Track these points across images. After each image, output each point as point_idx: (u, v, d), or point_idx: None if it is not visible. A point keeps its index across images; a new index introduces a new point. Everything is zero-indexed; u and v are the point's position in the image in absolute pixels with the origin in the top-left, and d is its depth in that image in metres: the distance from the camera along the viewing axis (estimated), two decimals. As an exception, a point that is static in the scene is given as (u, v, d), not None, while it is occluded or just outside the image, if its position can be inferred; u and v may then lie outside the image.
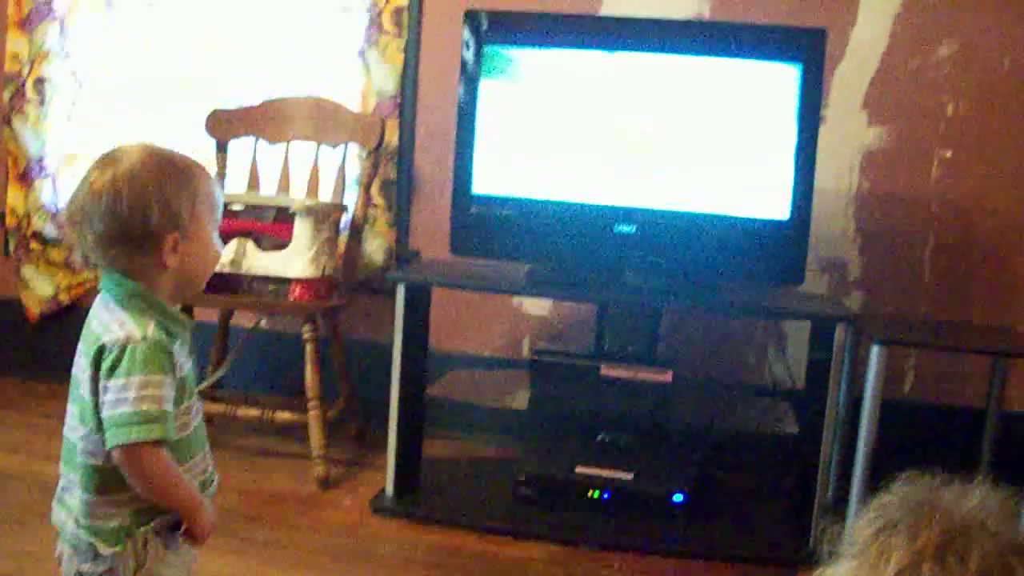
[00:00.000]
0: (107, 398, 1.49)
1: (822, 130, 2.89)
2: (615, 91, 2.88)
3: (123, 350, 1.50)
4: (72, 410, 1.59)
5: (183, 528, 1.62)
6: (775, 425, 3.10)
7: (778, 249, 2.84)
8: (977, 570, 0.95)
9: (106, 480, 1.55)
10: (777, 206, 2.81)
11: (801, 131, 2.79)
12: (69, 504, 1.60)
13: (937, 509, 1.02)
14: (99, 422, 1.52)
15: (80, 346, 1.59)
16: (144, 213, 1.53)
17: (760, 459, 3.32)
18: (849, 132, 3.30)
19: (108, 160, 1.56)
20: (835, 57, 3.25)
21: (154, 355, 1.51)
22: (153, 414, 1.49)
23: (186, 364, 1.61)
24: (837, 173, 3.30)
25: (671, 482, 2.96)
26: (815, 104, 2.82)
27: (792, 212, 2.81)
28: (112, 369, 1.49)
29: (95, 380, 1.51)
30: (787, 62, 2.79)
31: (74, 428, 1.58)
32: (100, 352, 1.51)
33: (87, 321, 1.59)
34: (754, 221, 2.83)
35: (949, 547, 0.97)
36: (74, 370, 1.60)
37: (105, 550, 1.56)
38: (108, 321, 1.54)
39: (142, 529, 1.58)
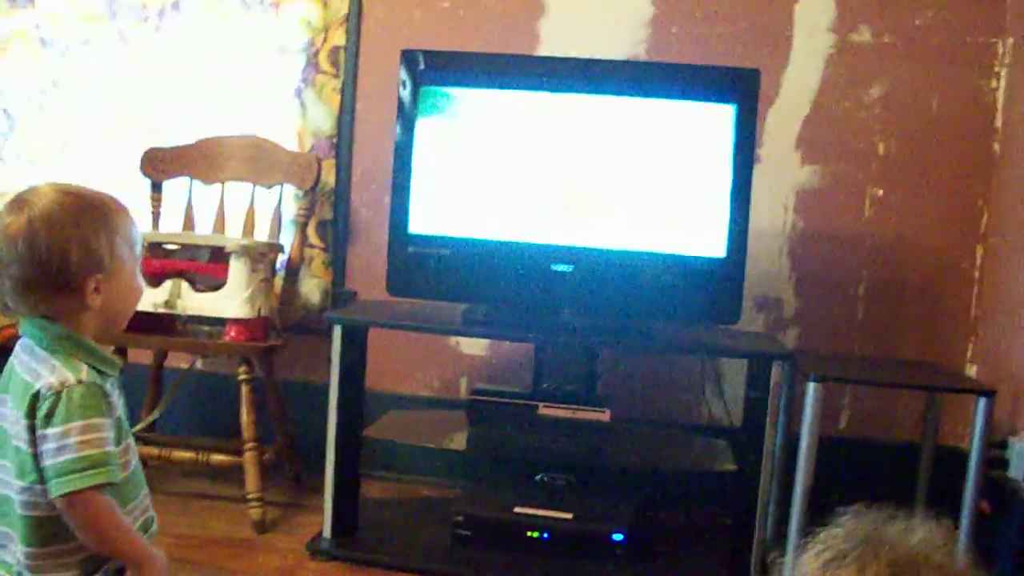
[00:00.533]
0: (47, 447, 1.46)
1: (757, 169, 2.92)
2: (552, 130, 2.89)
3: (58, 396, 1.47)
4: (5, 465, 1.54)
5: None
6: (713, 463, 3.10)
7: (714, 287, 2.85)
8: None
9: (51, 532, 1.51)
10: (713, 244, 2.83)
11: (736, 170, 2.81)
12: (8, 561, 1.55)
13: (884, 543, 1.03)
14: (40, 473, 1.48)
15: (5, 396, 1.55)
16: (63, 256, 1.50)
17: (698, 497, 3.33)
18: (783, 171, 3.34)
19: (20, 203, 1.52)
20: (769, 98, 3.30)
21: (91, 398, 1.49)
22: (97, 459, 1.46)
23: (119, 403, 1.58)
24: (772, 212, 3.34)
25: (610, 521, 2.95)
26: (749, 143, 2.84)
27: (728, 250, 2.82)
28: (48, 416, 1.46)
29: (31, 429, 1.47)
30: (722, 102, 2.82)
31: (9, 484, 1.53)
32: (35, 400, 1.47)
33: (9, 370, 1.55)
34: (691, 259, 2.84)
35: None
36: (2, 424, 1.55)
37: None
38: (37, 368, 1.51)
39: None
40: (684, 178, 2.85)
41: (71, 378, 1.49)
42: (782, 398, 2.90)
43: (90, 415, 1.48)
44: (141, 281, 1.65)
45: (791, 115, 3.34)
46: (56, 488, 1.46)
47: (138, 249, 1.63)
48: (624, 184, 2.87)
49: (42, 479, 1.49)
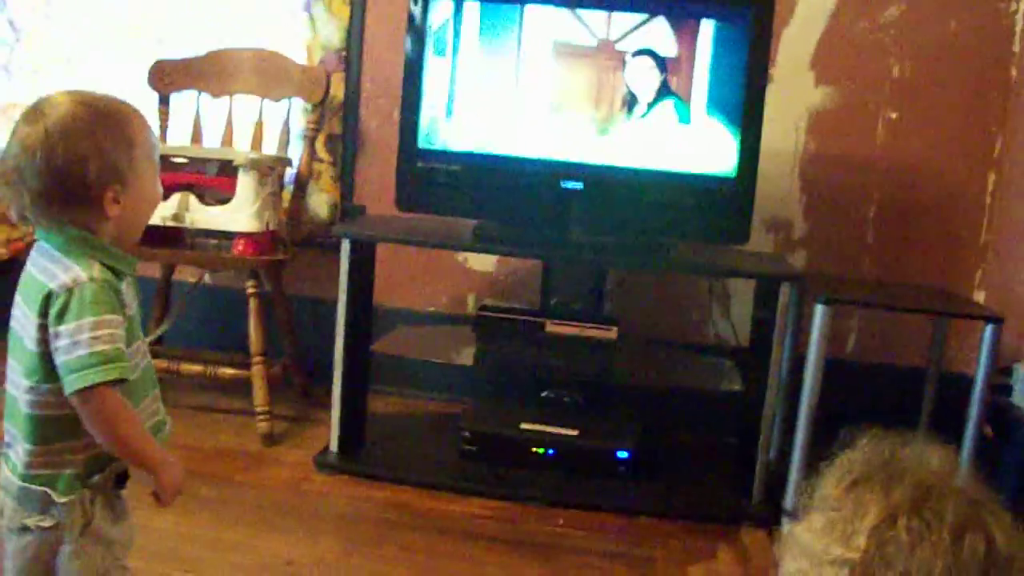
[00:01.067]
0: (60, 344, 1.46)
1: (769, 90, 2.88)
2: (564, 44, 2.86)
3: (70, 293, 1.46)
4: (13, 365, 1.55)
5: (152, 490, 1.58)
6: (719, 383, 3.11)
7: (724, 207, 2.84)
8: (954, 524, 0.96)
9: (56, 430, 1.52)
10: (724, 164, 2.81)
11: (748, 89, 2.78)
12: (14, 459, 1.56)
13: (905, 467, 1.03)
14: (46, 373, 1.48)
15: (18, 298, 1.55)
16: (81, 167, 1.48)
17: (704, 416, 3.34)
18: (796, 92, 3.31)
19: (36, 113, 1.50)
20: (783, 17, 3.26)
21: (103, 295, 1.48)
22: (111, 354, 1.46)
23: (133, 303, 1.58)
24: (784, 133, 3.31)
25: (615, 439, 2.97)
26: (763, 62, 2.81)
27: (738, 170, 2.80)
28: (61, 314, 1.46)
29: (43, 328, 1.47)
30: (736, 20, 2.78)
31: (17, 383, 1.54)
32: (47, 299, 1.47)
33: (24, 272, 1.55)
34: (701, 177, 2.83)
35: (924, 502, 0.98)
36: (12, 324, 1.55)
37: (59, 498, 1.53)
38: (51, 268, 1.50)
39: (95, 478, 1.55)
40: (696, 96, 2.82)
41: (83, 275, 1.48)
42: (790, 320, 2.90)
43: (102, 311, 1.47)
44: (159, 188, 1.64)
45: (806, 35, 3.30)
46: (70, 384, 1.45)
47: (156, 155, 1.62)
48: (636, 101, 2.85)
49: (47, 378, 1.49)
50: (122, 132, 1.54)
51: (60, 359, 1.46)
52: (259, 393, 3.13)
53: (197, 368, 3.20)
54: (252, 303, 3.13)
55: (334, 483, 2.91)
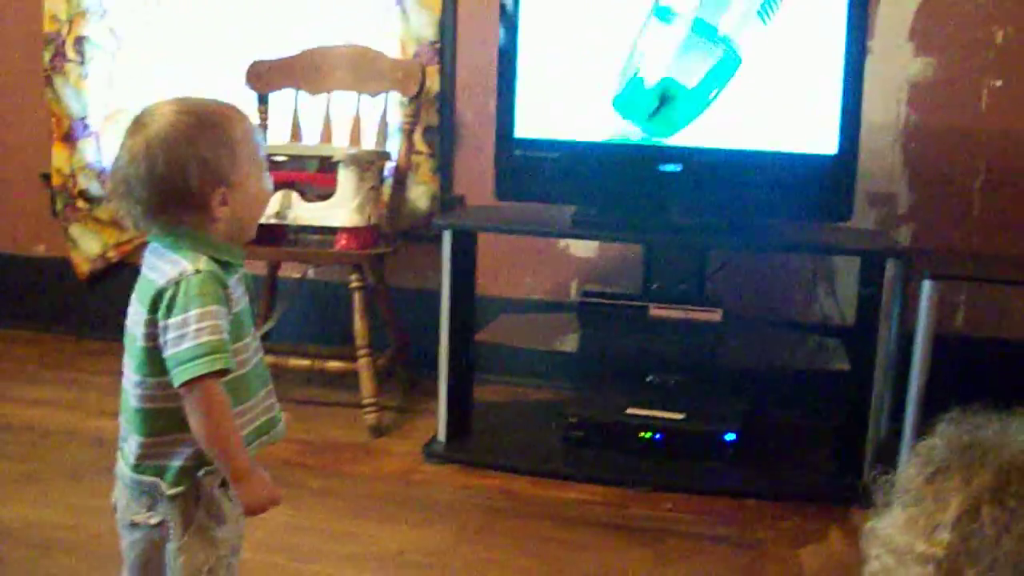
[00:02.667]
0: (168, 337, 1.49)
1: (868, 62, 2.84)
2: (659, 27, 2.84)
3: (177, 286, 1.49)
4: (127, 361, 1.59)
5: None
6: (825, 362, 3.07)
7: (826, 184, 2.80)
8: None
9: (164, 423, 1.56)
10: (824, 140, 2.77)
11: (848, 63, 2.74)
12: (127, 451, 1.61)
13: (986, 449, 1.00)
14: (154, 366, 1.52)
15: (133, 296, 1.59)
16: (183, 174, 1.51)
17: (811, 397, 3.30)
18: (896, 64, 3.24)
19: (138, 124, 1.54)
20: (879, -11, 3.20)
21: (208, 286, 1.51)
22: (215, 345, 1.48)
23: (242, 299, 1.60)
24: (885, 106, 3.25)
25: (722, 422, 2.95)
26: (861, 35, 2.77)
27: (840, 146, 2.76)
28: (169, 307, 1.49)
29: (151, 323, 1.51)
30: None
31: (129, 377, 1.58)
32: (157, 296, 1.50)
33: (141, 275, 1.59)
34: (801, 156, 2.80)
35: (1006, 487, 0.95)
36: (127, 322, 1.59)
37: (168, 490, 1.56)
38: (160, 265, 1.54)
39: (201, 472, 1.58)
40: (794, 73, 2.78)
41: (189, 268, 1.51)
42: (896, 296, 2.85)
43: (206, 303, 1.49)
44: (269, 183, 1.66)
45: (904, 5, 3.23)
46: (177, 376, 1.48)
47: (262, 152, 1.64)
48: (733, 81, 2.82)
49: (154, 372, 1.52)
50: (223, 135, 1.56)
51: (168, 352, 1.49)
52: (366, 385, 3.16)
53: (304, 363, 3.24)
54: (356, 297, 3.16)
55: (442, 472, 2.93)
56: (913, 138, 3.28)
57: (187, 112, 1.55)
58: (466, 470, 2.94)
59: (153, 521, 1.59)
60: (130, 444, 1.60)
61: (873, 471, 1.11)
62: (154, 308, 1.51)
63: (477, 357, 3.16)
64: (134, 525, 1.61)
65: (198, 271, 1.51)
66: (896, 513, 1.02)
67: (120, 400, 1.63)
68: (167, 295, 1.50)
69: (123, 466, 1.62)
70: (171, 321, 1.49)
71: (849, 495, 2.76)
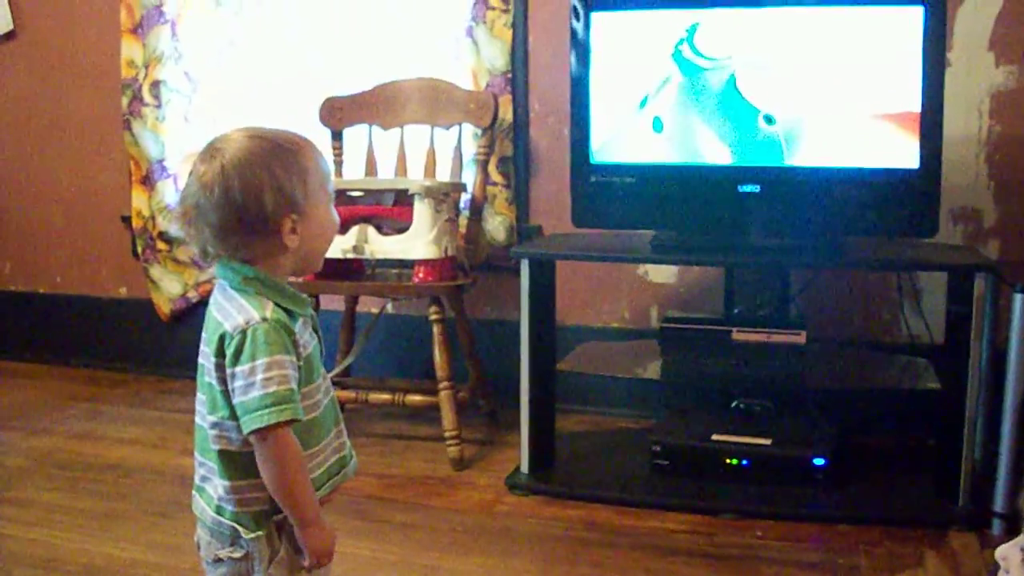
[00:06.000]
0: (236, 385, 1.49)
1: (948, 74, 2.78)
2: (731, 46, 2.81)
3: (244, 334, 1.49)
4: (201, 398, 1.59)
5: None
6: (915, 382, 3.01)
7: (909, 200, 2.74)
8: None
9: (244, 465, 1.55)
10: (906, 155, 2.71)
11: (927, 76, 2.68)
12: (208, 492, 1.61)
13: None
14: (230, 410, 1.52)
15: (203, 334, 1.58)
16: (257, 199, 1.51)
17: (901, 418, 3.23)
18: (976, 74, 3.18)
19: (212, 151, 1.54)
20: (956, -1, 3.15)
21: (275, 335, 1.50)
22: (283, 395, 1.48)
23: (311, 342, 1.60)
24: (966, 118, 3.19)
25: (810, 446, 2.89)
26: (940, 46, 2.71)
27: (922, 161, 2.70)
28: (237, 355, 1.49)
29: (221, 368, 1.51)
30: (909, 3, 2.68)
31: (204, 416, 1.58)
32: (222, 340, 1.51)
33: (208, 311, 1.59)
34: (882, 172, 2.74)
35: None
36: (200, 359, 1.59)
37: (247, 534, 1.56)
38: (227, 307, 1.54)
39: (278, 516, 1.58)
40: (872, 88, 2.73)
41: (256, 316, 1.51)
42: (986, 312, 2.78)
43: (273, 352, 1.49)
44: (335, 216, 1.66)
45: (982, 13, 3.16)
46: (246, 424, 1.49)
47: (330, 185, 1.64)
48: (810, 98, 2.78)
49: (232, 415, 1.52)
50: (296, 162, 1.56)
51: (236, 399, 1.50)
52: (447, 418, 3.15)
53: (385, 397, 3.24)
54: (436, 329, 3.15)
55: (526, 504, 2.90)
56: (997, 149, 3.21)
57: (261, 138, 1.56)
58: (550, 501, 2.91)
59: (237, 555, 1.59)
60: (213, 487, 1.59)
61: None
62: (220, 352, 1.51)
63: (559, 387, 3.13)
64: (218, 560, 1.61)
65: (265, 319, 1.51)
66: None
67: (195, 435, 1.62)
68: (234, 342, 1.49)
69: (205, 507, 1.62)
70: (238, 369, 1.49)
71: (945, 518, 2.69)
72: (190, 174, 1.55)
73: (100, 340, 4.33)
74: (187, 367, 3.96)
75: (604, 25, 2.89)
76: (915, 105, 2.69)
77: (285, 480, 1.53)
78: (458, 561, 2.54)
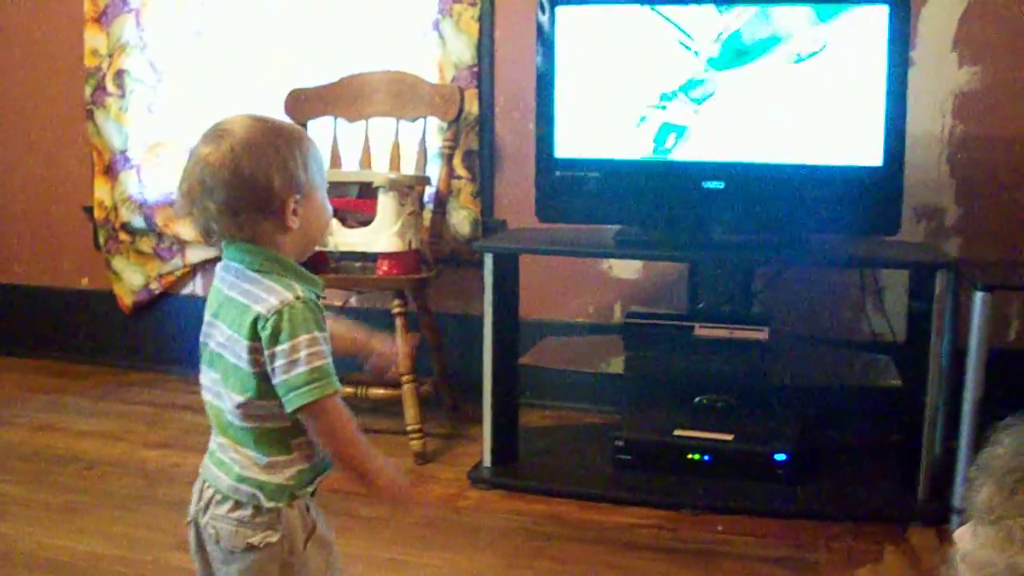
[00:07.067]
0: (277, 364, 1.52)
1: (911, 73, 2.80)
2: (695, 43, 2.81)
3: (280, 315, 1.52)
4: (215, 378, 1.61)
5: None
6: (877, 379, 3.02)
7: (872, 197, 2.76)
8: None
9: (276, 441, 1.58)
10: (869, 153, 2.73)
11: (891, 74, 2.70)
12: (226, 460, 1.62)
13: None
14: (262, 390, 1.54)
15: (212, 318, 1.61)
16: (267, 177, 1.54)
17: (862, 414, 3.25)
18: (940, 74, 3.20)
19: (218, 133, 1.57)
20: (920, -1, 3.16)
21: (310, 312, 1.54)
22: (325, 369, 1.53)
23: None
24: (930, 117, 3.21)
25: (773, 442, 2.91)
26: (904, 45, 2.73)
27: (885, 159, 2.72)
28: (275, 336, 1.51)
29: (255, 351, 1.53)
30: (875, 3, 2.70)
31: (220, 395, 1.60)
32: (255, 322, 1.53)
33: (218, 291, 1.61)
34: (846, 169, 2.76)
35: None
36: (210, 342, 1.61)
37: (267, 502, 1.58)
38: (252, 290, 1.56)
39: (305, 489, 1.62)
40: (836, 85, 2.75)
41: (289, 296, 1.53)
42: (947, 310, 2.80)
43: (312, 328, 1.53)
44: (329, 205, 1.69)
45: (946, 14, 3.19)
46: (293, 402, 1.52)
47: (325, 174, 1.68)
48: (774, 94, 2.79)
49: (262, 395, 1.54)
50: (299, 146, 1.60)
51: (279, 378, 1.52)
52: (410, 412, 3.14)
53: (348, 390, 3.23)
54: (399, 322, 3.14)
55: (489, 498, 2.90)
56: (960, 149, 3.23)
57: (266, 122, 1.61)
58: (513, 495, 2.91)
59: (274, 539, 1.59)
60: (233, 458, 1.61)
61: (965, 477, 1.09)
62: (254, 335, 1.53)
63: (522, 381, 3.13)
64: (250, 547, 1.60)
65: (298, 298, 1.54)
66: (984, 532, 0.98)
67: (210, 414, 1.65)
68: (270, 323, 1.52)
69: (219, 474, 1.62)
70: (278, 349, 1.51)
71: (905, 513, 2.71)
72: (192, 156, 1.58)
73: (61, 331, 4.29)
74: (148, 359, 3.97)
75: (569, 19, 2.89)
76: (879, 103, 2.71)
77: (346, 446, 1.58)
78: (422, 555, 2.54)
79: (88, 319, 4.25)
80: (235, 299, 1.57)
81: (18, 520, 2.73)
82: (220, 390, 1.60)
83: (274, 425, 1.57)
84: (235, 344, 1.56)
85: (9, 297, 4.38)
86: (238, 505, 1.59)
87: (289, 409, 1.53)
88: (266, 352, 1.52)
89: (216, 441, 1.65)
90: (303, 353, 1.51)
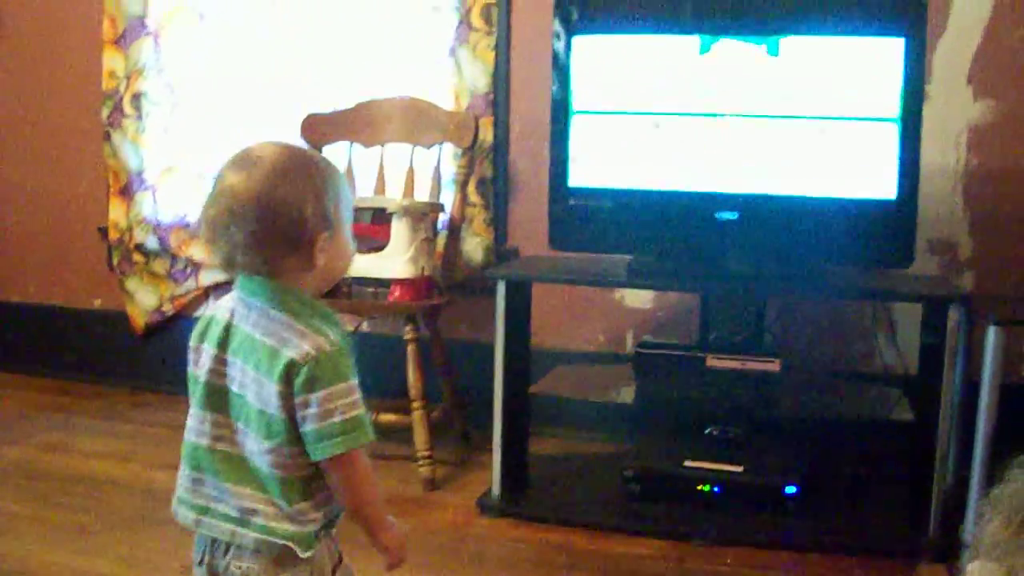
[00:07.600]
0: (310, 411, 1.47)
1: (926, 107, 2.80)
2: (712, 74, 2.82)
3: (317, 362, 1.47)
4: (238, 427, 1.55)
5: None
6: (888, 412, 3.02)
7: (885, 230, 2.76)
8: None
9: (301, 489, 1.53)
10: (883, 186, 2.73)
11: (905, 108, 2.70)
12: (240, 515, 1.55)
13: None
14: (291, 436, 1.50)
15: (236, 356, 1.54)
16: (299, 210, 1.48)
17: (874, 448, 3.23)
18: (954, 108, 3.20)
19: (248, 161, 1.51)
20: (936, 32, 3.15)
21: (344, 359, 1.50)
22: (360, 419, 1.49)
23: None
24: (944, 151, 3.20)
25: (783, 474, 2.90)
26: (919, 78, 2.73)
27: (899, 192, 2.72)
28: (310, 383, 1.47)
29: (285, 396, 1.48)
30: (888, 35, 2.70)
31: (249, 442, 1.54)
32: (289, 367, 1.47)
33: (230, 326, 1.55)
34: (860, 202, 2.76)
35: None
36: (232, 384, 1.55)
37: (303, 553, 1.53)
38: (282, 333, 1.50)
39: (329, 531, 1.60)
40: (851, 118, 2.75)
41: (324, 343, 1.48)
42: (960, 344, 2.79)
43: (348, 377, 1.49)
44: (352, 241, 1.63)
45: (962, 49, 3.19)
46: (323, 451, 1.48)
47: (352, 208, 1.62)
48: (789, 127, 2.79)
49: (291, 441, 1.50)
50: (330, 179, 1.55)
51: (311, 425, 1.48)
52: (420, 438, 3.14)
53: (358, 415, 3.22)
54: (410, 349, 3.14)
55: (497, 526, 2.89)
56: (974, 182, 3.23)
57: (296, 151, 1.56)
58: (521, 524, 2.90)
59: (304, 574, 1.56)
60: (257, 503, 1.54)
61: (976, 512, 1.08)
62: (286, 380, 1.48)
63: (532, 409, 3.13)
64: None
65: (333, 344, 1.49)
66: (992, 569, 0.98)
67: (223, 462, 1.57)
68: (305, 371, 1.47)
69: (239, 531, 1.55)
70: (313, 396, 1.47)
71: (915, 548, 2.69)
72: (219, 182, 1.51)
73: (73, 351, 4.30)
74: (159, 381, 3.96)
75: (585, 49, 2.90)
76: (894, 136, 2.71)
77: (364, 499, 1.56)
78: (428, 582, 2.53)
79: (100, 339, 4.26)
80: (260, 340, 1.51)
81: (25, 539, 2.73)
82: (242, 439, 1.54)
83: (300, 473, 1.52)
84: (261, 387, 1.50)
85: (22, 316, 4.39)
86: (268, 552, 1.54)
87: (317, 457, 1.49)
88: (298, 398, 1.47)
89: (213, 490, 1.57)
90: (340, 402, 1.47)
